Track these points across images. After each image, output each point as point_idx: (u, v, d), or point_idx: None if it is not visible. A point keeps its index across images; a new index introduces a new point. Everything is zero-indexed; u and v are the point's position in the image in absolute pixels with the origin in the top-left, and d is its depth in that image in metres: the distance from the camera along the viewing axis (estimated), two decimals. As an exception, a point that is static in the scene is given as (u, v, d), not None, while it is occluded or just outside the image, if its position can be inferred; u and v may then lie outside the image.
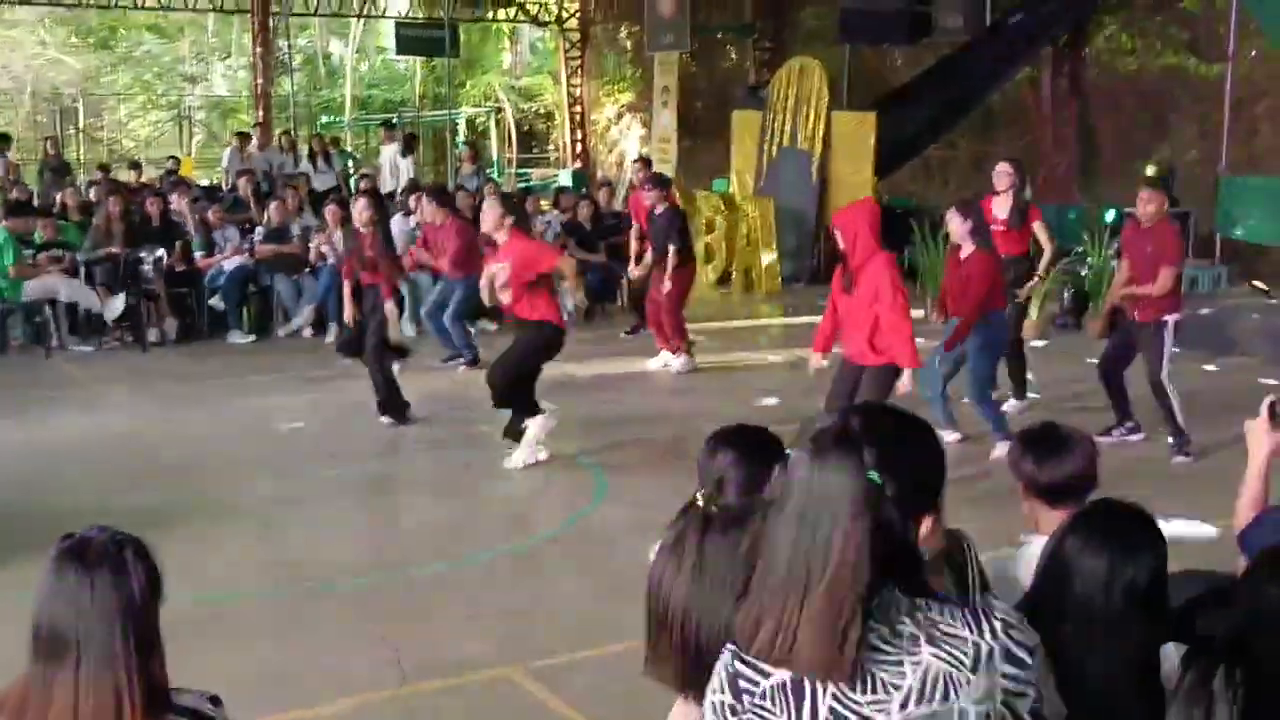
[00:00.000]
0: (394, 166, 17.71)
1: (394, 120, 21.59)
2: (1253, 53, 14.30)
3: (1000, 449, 7.68)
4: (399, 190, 15.68)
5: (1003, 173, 9.16)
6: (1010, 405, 8.91)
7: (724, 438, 2.76)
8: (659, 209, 10.85)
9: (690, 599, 2.34)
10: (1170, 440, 8.00)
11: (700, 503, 2.45)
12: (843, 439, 1.87)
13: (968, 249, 7.96)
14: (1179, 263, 8.02)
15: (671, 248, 10.61)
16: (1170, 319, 7.91)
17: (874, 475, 1.82)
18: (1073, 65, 15.98)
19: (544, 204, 14.47)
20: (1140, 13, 15.48)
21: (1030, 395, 9.23)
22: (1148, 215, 7.97)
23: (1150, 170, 12.65)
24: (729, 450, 2.72)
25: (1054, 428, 3.32)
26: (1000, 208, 9.08)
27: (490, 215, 7.76)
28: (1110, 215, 13.28)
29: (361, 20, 30.05)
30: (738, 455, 2.72)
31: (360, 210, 8.90)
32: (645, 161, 13.88)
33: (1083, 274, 12.63)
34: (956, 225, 7.97)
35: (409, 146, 18.62)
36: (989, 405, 8.13)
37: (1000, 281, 8.09)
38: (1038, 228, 9.07)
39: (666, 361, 10.86)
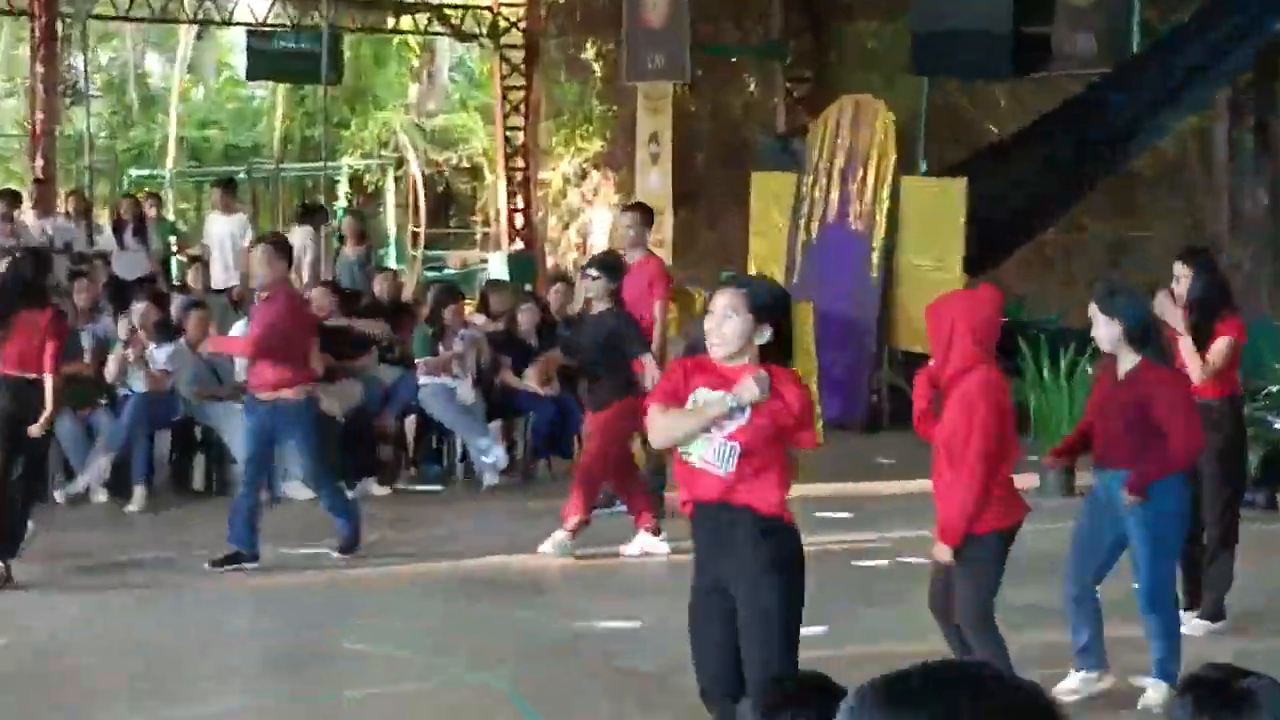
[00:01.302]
0: (232, 245, 17.49)
1: (235, 177, 21.52)
2: None
3: (1155, 694, 7.60)
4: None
5: (1184, 278, 9.06)
6: (1192, 627, 8.78)
7: (784, 697, 2.84)
8: (597, 306, 10.91)
9: None
10: None
11: None
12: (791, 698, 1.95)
13: (1129, 361, 7.78)
14: None
15: (644, 361, 10.56)
16: None
17: None
18: (1261, 113, 16.18)
19: (468, 307, 14.49)
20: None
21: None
22: None
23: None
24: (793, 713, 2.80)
25: (1239, 676, 3.24)
26: (1183, 326, 8.96)
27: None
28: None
29: (195, 28, 30.51)
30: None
31: None
32: (642, 210, 13.53)
33: (1277, 426, 12.75)
34: (1102, 328, 7.82)
35: (314, 218, 18.37)
36: (1167, 621, 7.84)
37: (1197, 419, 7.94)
38: (1217, 344, 8.86)
39: (646, 546, 10.79)
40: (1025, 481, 11.52)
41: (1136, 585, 7.92)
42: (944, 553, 7.01)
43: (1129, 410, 7.73)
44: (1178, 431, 7.72)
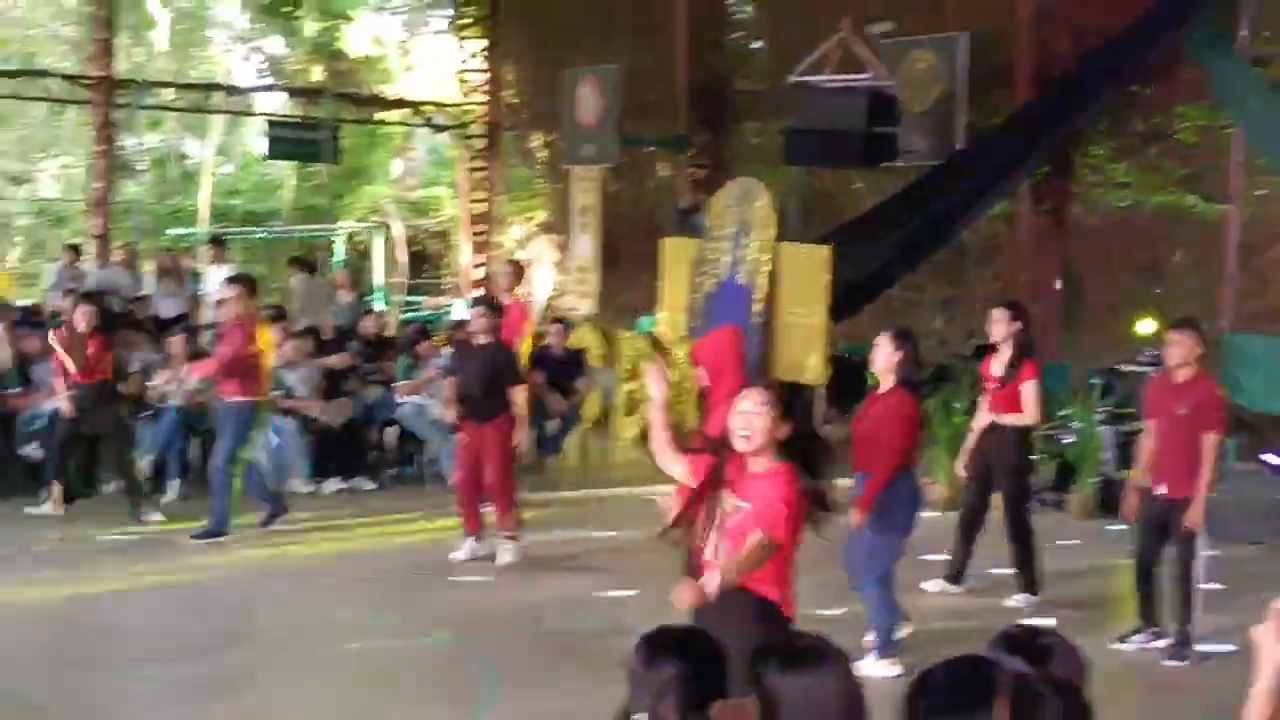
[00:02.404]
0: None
1: (222, 237, 21.19)
2: (1261, 191, 14.66)
3: (874, 666, 7.43)
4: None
5: (999, 320, 9.16)
6: (1018, 600, 9.07)
7: (663, 645, 2.85)
8: (480, 339, 10.47)
9: None
10: (1169, 640, 8.11)
11: None
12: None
13: (887, 384, 7.82)
14: (1223, 427, 8.05)
15: (519, 390, 10.33)
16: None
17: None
18: (1055, 199, 16.31)
19: (436, 341, 14.27)
20: (1133, 143, 15.87)
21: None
22: (1173, 359, 7.98)
23: (1141, 327, 12.91)
24: (670, 660, 2.79)
25: (1040, 634, 3.23)
26: (998, 364, 9.17)
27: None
28: (1093, 379, 13.55)
29: (225, 118, 30.39)
30: (681, 666, 2.78)
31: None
32: (515, 265, 14.00)
33: (1065, 441, 12.82)
34: (886, 354, 7.75)
35: (309, 266, 18.25)
36: (878, 592, 7.73)
37: (919, 434, 8.04)
38: (1026, 390, 9.02)
39: (474, 551, 10.30)
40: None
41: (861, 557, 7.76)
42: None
43: (874, 424, 7.75)
44: (896, 441, 7.67)
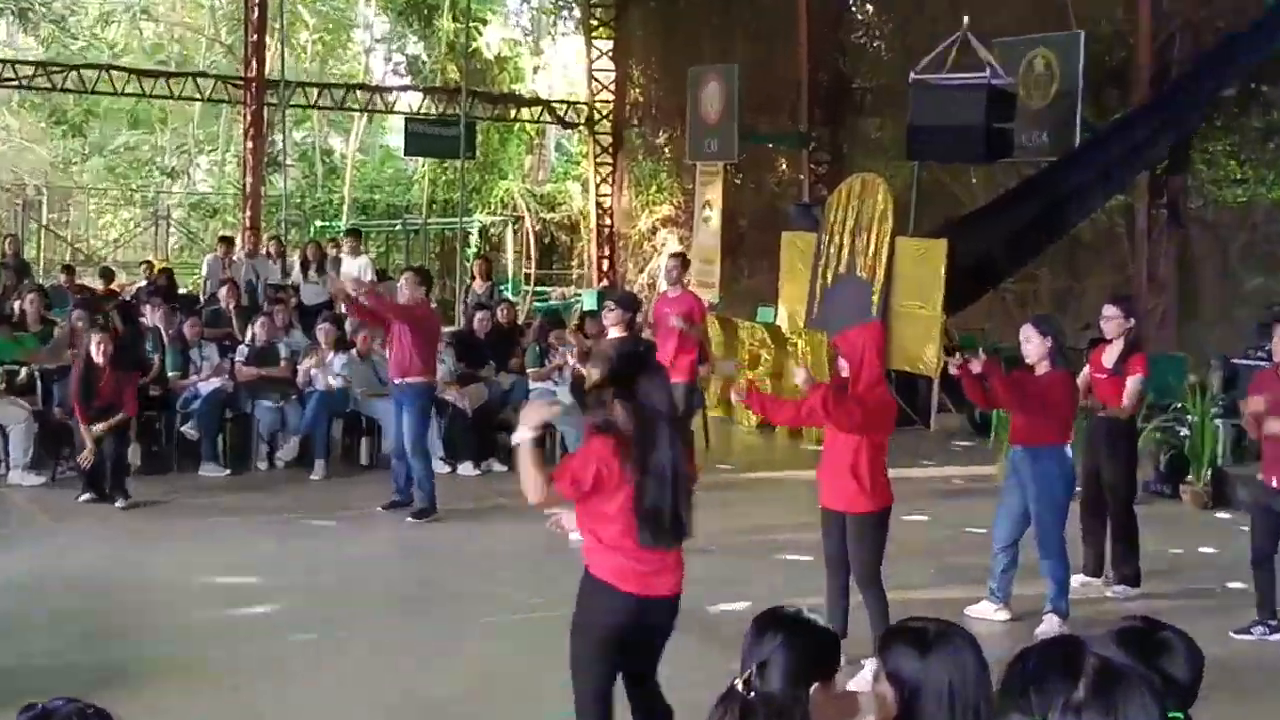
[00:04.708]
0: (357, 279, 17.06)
1: (358, 229, 21.09)
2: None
3: (1049, 624, 7.59)
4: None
5: (1111, 318, 8.84)
6: (1117, 591, 8.82)
7: (772, 621, 2.98)
8: (613, 334, 9.89)
9: None
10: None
11: (740, 688, 2.73)
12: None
13: (1043, 369, 7.74)
14: None
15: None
16: None
17: None
18: (1172, 194, 16.00)
19: (568, 334, 14.15)
20: (1250, 138, 15.57)
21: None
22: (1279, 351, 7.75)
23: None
24: (777, 633, 2.92)
25: (1158, 628, 3.14)
26: (1109, 356, 8.85)
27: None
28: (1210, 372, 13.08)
29: (366, 115, 30.87)
30: (786, 640, 2.91)
31: None
32: (681, 257, 13.47)
33: (1182, 434, 12.45)
34: (1035, 344, 7.75)
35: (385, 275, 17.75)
36: (1059, 562, 7.85)
37: (1075, 410, 8.05)
38: (1130, 384, 8.70)
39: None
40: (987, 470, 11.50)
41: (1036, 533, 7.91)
42: None
43: (1039, 402, 7.66)
44: (1068, 414, 7.88)
